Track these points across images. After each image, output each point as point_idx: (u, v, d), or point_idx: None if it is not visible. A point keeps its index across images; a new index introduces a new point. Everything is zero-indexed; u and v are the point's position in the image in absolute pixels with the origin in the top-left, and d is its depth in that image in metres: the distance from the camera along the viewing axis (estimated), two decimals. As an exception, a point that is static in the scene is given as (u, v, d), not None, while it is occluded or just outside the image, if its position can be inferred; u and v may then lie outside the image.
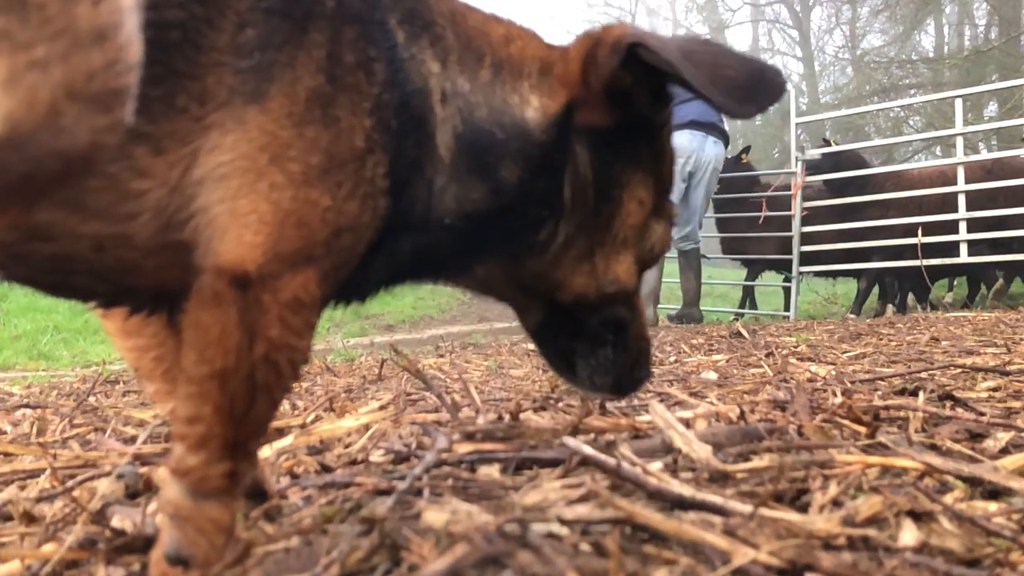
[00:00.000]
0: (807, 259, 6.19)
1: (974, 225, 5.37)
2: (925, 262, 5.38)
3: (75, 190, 0.55)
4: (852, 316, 5.81)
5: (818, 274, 6.65)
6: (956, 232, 5.38)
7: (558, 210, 0.74)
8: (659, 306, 5.50)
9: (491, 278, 0.82)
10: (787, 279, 6.55)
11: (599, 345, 0.82)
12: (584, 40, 0.74)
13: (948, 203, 5.55)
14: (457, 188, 0.70)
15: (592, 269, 0.77)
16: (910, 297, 6.78)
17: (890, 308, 6.27)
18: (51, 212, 0.55)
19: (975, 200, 5.41)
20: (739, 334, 3.33)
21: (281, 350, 0.61)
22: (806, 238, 6.15)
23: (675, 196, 5.35)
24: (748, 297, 7.13)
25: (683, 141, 5.36)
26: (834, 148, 6.35)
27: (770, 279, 7.65)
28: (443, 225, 0.70)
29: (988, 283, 6.10)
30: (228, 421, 0.59)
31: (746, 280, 7.16)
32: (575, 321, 0.81)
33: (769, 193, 6.45)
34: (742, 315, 6.53)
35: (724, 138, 5.64)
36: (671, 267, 5.88)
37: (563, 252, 0.76)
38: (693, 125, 5.40)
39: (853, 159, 6.22)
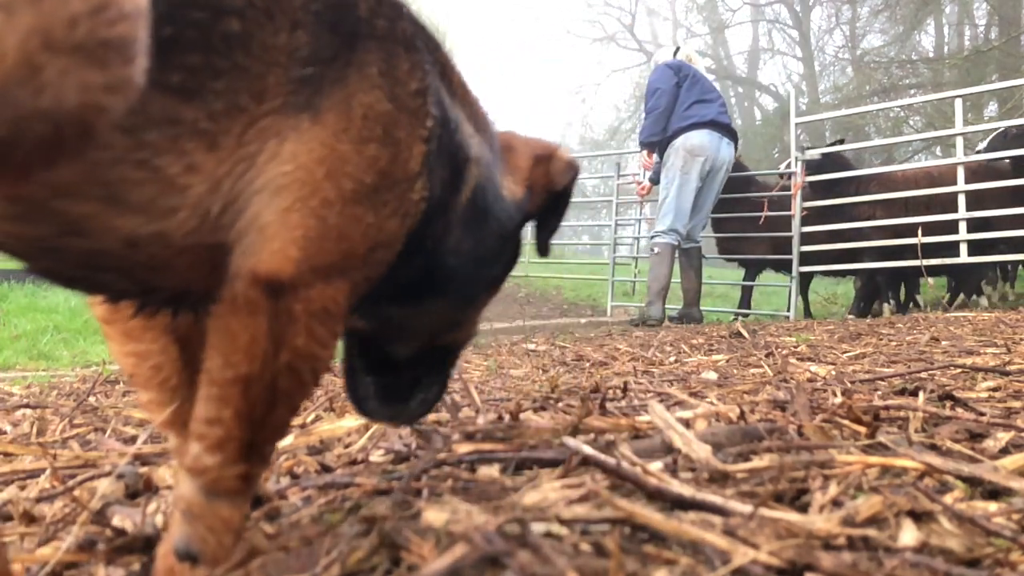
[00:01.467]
0: (804, 259, 6.20)
1: (952, 226, 5.40)
2: (924, 262, 5.39)
3: (115, 182, 0.52)
4: (851, 316, 5.82)
5: (816, 274, 6.66)
6: (946, 232, 5.39)
7: (503, 270, 0.87)
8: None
9: (429, 318, 0.85)
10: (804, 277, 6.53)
11: (433, 380, 0.90)
12: (537, 149, 0.87)
13: (935, 204, 5.58)
14: (459, 235, 0.76)
15: (479, 318, 0.93)
16: (905, 297, 6.79)
17: (887, 308, 6.28)
18: (87, 205, 0.52)
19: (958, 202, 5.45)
20: (739, 334, 3.33)
21: (306, 359, 0.61)
22: (805, 238, 6.16)
23: (689, 194, 5.38)
24: (746, 297, 7.14)
25: (703, 140, 5.37)
26: (814, 151, 6.37)
27: (770, 279, 7.64)
28: (438, 263, 0.75)
29: (968, 288, 6.11)
30: (247, 425, 0.59)
31: (744, 280, 7.16)
32: (432, 356, 0.89)
33: (772, 193, 6.44)
34: (746, 315, 6.53)
35: (736, 141, 5.68)
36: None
37: (484, 303, 0.89)
38: (712, 125, 5.41)
39: (838, 161, 6.26)
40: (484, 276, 0.84)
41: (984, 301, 5.94)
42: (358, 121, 0.60)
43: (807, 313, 6.67)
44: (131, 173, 0.52)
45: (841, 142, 6.46)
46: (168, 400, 0.72)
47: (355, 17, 0.62)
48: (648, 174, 6.13)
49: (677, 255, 5.57)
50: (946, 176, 5.70)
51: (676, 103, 5.48)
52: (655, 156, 5.78)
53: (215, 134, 0.55)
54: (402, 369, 0.86)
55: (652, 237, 5.56)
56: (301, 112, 0.58)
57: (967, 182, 5.41)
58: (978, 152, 5.87)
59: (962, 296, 6.16)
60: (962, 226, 5.37)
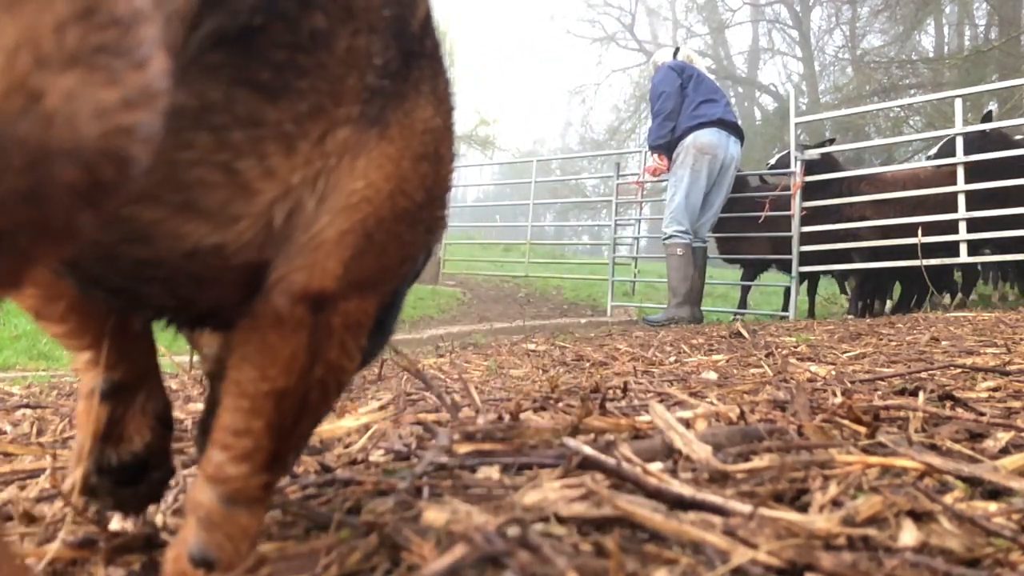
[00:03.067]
0: (803, 259, 6.22)
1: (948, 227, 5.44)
2: (924, 262, 5.40)
3: (192, 186, 0.49)
4: (851, 316, 5.83)
5: (813, 274, 6.67)
6: (927, 234, 5.45)
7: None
8: (646, 304, 5.52)
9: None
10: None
11: None
12: None
13: (920, 205, 5.64)
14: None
15: None
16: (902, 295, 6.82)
17: (889, 304, 6.31)
18: (159, 210, 0.50)
19: (940, 203, 5.51)
20: (739, 334, 3.33)
21: (336, 372, 0.61)
22: (804, 238, 6.17)
23: (698, 192, 5.41)
24: (743, 297, 7.14)
25: (712, 138, 5.42)
26: (814, 151, 6.42)
27: (770, 279, 7.64)
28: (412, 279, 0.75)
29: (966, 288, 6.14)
30: (276, 437, 0.59)
31: (742, 280, 7.15)
32: None
33: (774, 193, 6.44)
34: (743, 315, 6.53)
35: (742, 139, 5.72)
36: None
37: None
38: (720, 123, 5.46)
39: (828, 161, 6.31)
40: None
41: (947, 299, 6.01)
42: (417, 138, 0.60)
43: (811, 313, 6.67)
44: (209, 176, 0.49)
45: (832, 142, 6.49)
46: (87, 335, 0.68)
47: (411, 33, 0.61)
48: (643, 193, 6.29)
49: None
50: (933, 178, 5.77)
51: (683, 104, 5.52)
52: (665, 158, 5.78)
53: (295, 138, 0.52)
54: None
55: (666, 238, 5.58)
56: (372, 125, 0.57)
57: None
58: (930, 158, 6.08)
59: (960, 296, 6.17)
60: (962, 226, 5.37)
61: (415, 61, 0.61)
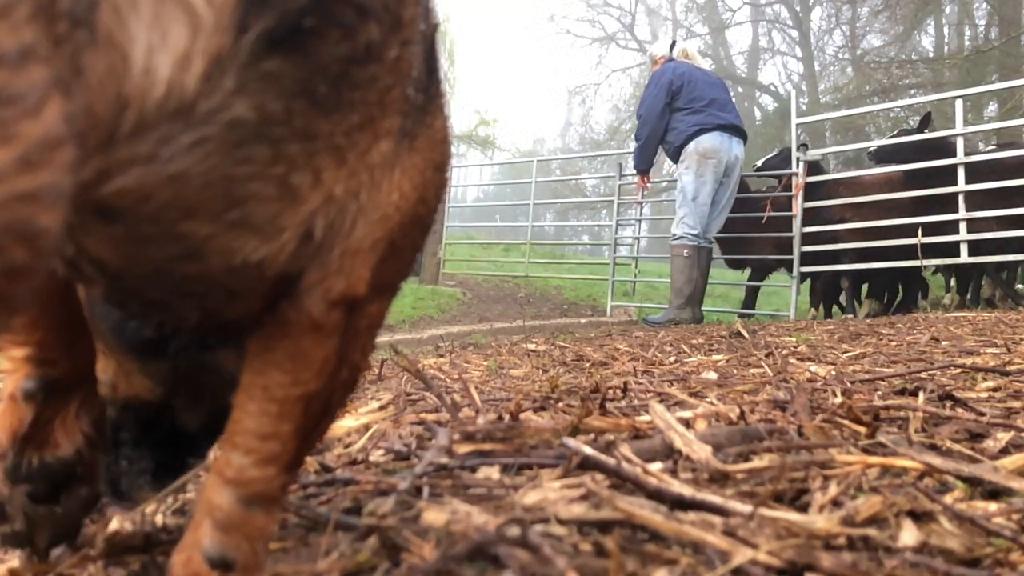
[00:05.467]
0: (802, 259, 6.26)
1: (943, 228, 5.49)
2: (925, 262, 5.41)
3: (248, 200, 0.48)
4: (851, 317, 5.84)
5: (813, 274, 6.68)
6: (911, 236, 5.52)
7: None
8: (647, 305, 5.53)
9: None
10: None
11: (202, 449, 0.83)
12: None
13: (893, 208, 5.74)
14: None
15: None
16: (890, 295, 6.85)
17: (868, 305, 6.35)
18: (214, 225, 0.48)
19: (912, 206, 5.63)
20: (739, 334, 3.33)
21: (356, 372, 0.63)
22: (804, 238, 6.19)
23: (705, 196, 5.47)
24: (751, 298, 7.12)
25: (714, 142, 5.48)
26: (815, 152, 6.47)
27: (772, 279, 7.63)
28: None
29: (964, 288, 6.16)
30: (302, 438, 0.60)
31: (750, 280, 7.13)
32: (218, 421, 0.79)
33: (776, 193, 6.45)
34: (751, 315, 6.52)
35: (745, 139, 5.77)
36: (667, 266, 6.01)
37: None
38: (720, 127, 5.51)
39: (813, 166, 6.39)
40: None
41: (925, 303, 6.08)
42: (437, 148, 0.62)
43: (828, 314, 6.67)
44: (264, 190, 0.48)
45: (805, 147, 6.53)
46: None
47: (434, 44, 0.63)
48: (644, 193, 6.51)
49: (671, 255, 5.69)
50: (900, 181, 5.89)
51: (679, 113, 5.64)
52: (646, 180, 6.25)
53: (345, 150, 0.52)
54: (185, 442, 0.77)
55: (675, 239, 5.63)
56: (406, 137, 0.58)
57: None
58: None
59: (956, 296, 6.18)
60: (962, 226, 5.37)
61: (434, 72, 0.63)
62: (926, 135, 5.83)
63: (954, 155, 5.48)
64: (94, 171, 0.37)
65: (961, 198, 5.39)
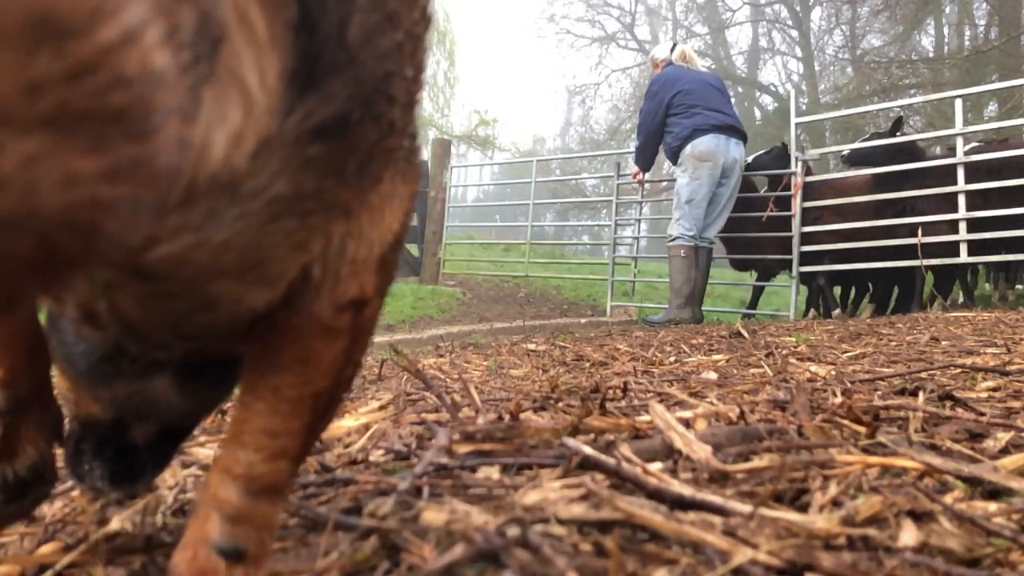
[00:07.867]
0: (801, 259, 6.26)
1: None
2: (925, 262, 5.41)
3: (263, 253, 0.50)
4: (840, 315, 5.87)
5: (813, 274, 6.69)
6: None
7: None
8: (646, 304, 5.54)
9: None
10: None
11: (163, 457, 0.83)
12: None
13: (868, 211, 5.86)
14: None
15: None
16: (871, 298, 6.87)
17: (869, 308, 6.37)
18: (230, 281, 0.50)
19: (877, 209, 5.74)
20: (739, 334, 3.33)
21: (356, 367, 0.66)
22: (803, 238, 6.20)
23: (702, 199, 5.50)
24: (756, 298, 7.11)
25: (710, 145, 5.50)
26: (814, 151, 6.50)
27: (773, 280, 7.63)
28: None
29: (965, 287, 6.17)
30: (309, 433, 0.63)
31: (757, 281, 7.11)
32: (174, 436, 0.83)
33: (778, 193, 6.44)
34: (753, 315, 6.52)
35: (744, 139, 5.77)
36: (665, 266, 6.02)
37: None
38: (716, 128, 5.52)
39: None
40: None
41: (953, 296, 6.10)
42: (417, 172, 0.65)
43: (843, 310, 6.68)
44: (283, 252, 0.51)
45: (784, 146, 6.53)
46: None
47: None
48: (644, 192, 6.74)
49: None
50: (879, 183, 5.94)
51: (664, 131, 5.76)
52: (640, 174, 6.39)
53: (356, 208, 0.54)
54: (136, 454, 0.79)
55: (671, 240, 5.65)
56: (399, 174, 0.60)
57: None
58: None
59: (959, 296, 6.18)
60: (962, 226, 5.38)
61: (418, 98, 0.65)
62: (898, 138, 5.88)
63: (923, 159, 5.61)
64: (144, 238, 0.38)
65: (961, 198, 5.39)
